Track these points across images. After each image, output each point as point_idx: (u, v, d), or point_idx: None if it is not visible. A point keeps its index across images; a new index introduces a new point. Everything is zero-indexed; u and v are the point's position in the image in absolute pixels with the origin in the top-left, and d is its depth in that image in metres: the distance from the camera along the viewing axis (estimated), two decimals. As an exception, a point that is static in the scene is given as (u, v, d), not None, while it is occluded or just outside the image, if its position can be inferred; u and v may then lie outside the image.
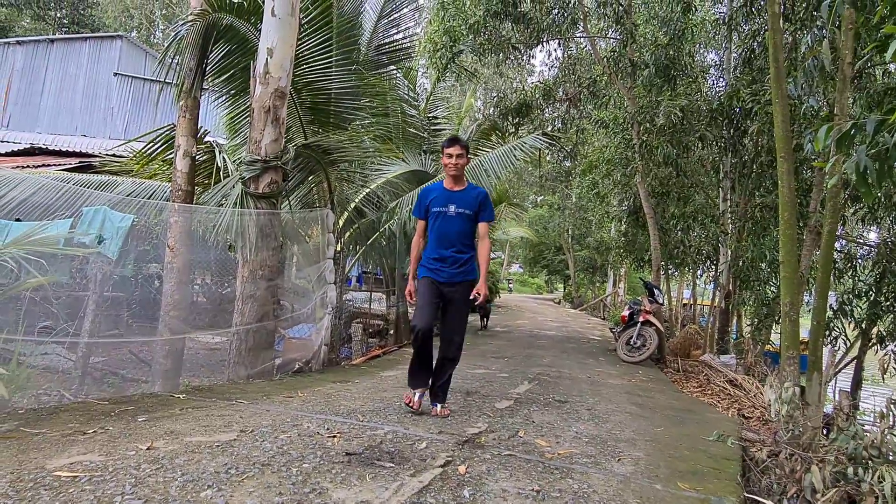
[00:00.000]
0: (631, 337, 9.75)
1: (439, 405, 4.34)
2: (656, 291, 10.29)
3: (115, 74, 16.83)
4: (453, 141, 4.34)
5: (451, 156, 4.28)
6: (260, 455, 2.97)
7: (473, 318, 13.67)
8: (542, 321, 19.05)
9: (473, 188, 4.44)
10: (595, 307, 28.51)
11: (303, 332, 8.20)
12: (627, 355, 9.61)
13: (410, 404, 4.23)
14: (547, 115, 15.57)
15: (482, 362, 8.10)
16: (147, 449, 2.93)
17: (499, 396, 5.46)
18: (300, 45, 6.86)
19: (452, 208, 4.27)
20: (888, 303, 8.79)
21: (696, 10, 11.78)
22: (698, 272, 16.82)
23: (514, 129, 13.98)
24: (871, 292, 8.91)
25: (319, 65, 7.46)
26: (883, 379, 8.20)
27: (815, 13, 7.35)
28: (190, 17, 6.15)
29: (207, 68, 6.69)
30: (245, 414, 3.87)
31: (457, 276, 4.23)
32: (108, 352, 7.54)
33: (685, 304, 19.17)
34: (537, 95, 14.32)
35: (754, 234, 9.74)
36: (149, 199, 7.37)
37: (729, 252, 11.00)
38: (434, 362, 4.38)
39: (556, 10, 11.80)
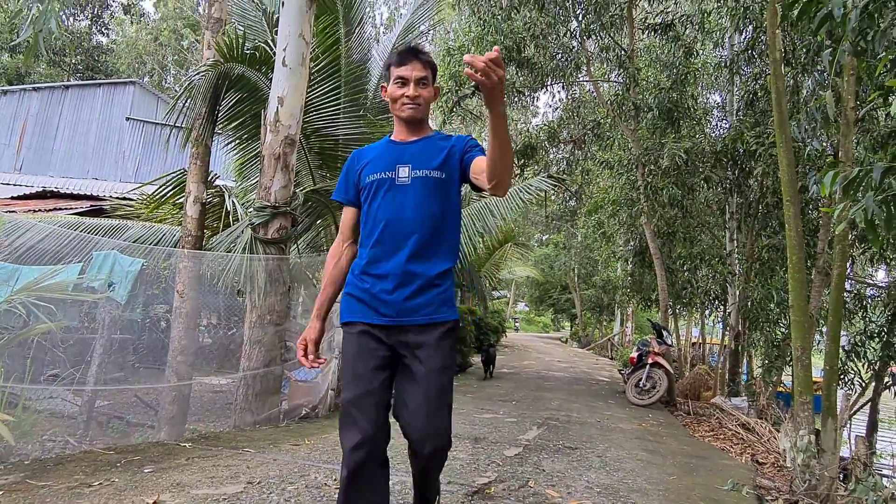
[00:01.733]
0: (640, 379, 9.63)
1: None
2: (664, 332, 10.22)
3: (128, 119, 17.17)
4: (409, 54, 2.24)
5: (403, 81, 2.21)
6: (267, 509, 2.92)
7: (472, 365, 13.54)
8: (549, 361, 18.87)
9: (444, 136, 2.35)
10: (603, 346, 28.27)
11: (309, 375, 8.14)
12: (637, 398, 9.48)
13: None
14: (552, 156, 15.74)
15: (490, 406, 8.00)
16: (153, 503, 2.89)
17: (507, 443, 5.38)
18: (309, 92, 7.00)
19: (405, 171, 2.20)
20: (901, 345, 8.69)
21: (698, 54, 11.99)
22: (706, 311, 16.70)
23: (519, 171, 14.10)
24: (883, 333, 8.81)
25: (328, 112, 7.61)
26: (899, 424, 8.05)
27: (816, 57, 7.47)
28: (202, 68, 6.31)
29: (218, 115, 6.83)
30: (252, 464, 3.83)
31: (419, 311, 2.14)
32: (113, 396, 7.51)
33: (694, 343, 18.99)
34: (542, 137, 14.50)
35: (762, 275, 9.71)
36: (157, 243, 7.44)
37: (737, 292, 10.95)
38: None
39: (560, 55, 12.03)
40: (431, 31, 20.82)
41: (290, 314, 7.81)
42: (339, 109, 7.66)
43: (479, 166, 2.13)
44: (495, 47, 1.72)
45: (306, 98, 6.55)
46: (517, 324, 43.31)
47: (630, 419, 7.95)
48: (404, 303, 2.15)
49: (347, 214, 2.39)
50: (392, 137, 2.35)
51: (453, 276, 2.28)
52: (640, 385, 9.57)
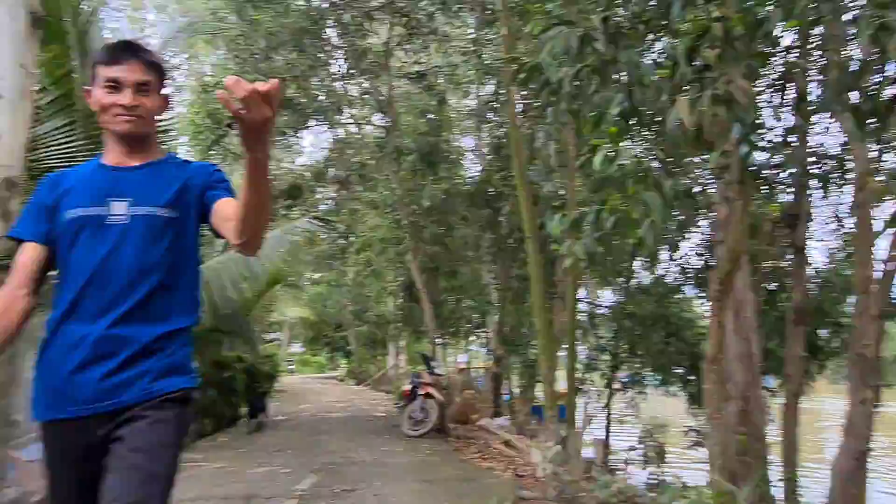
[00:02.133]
0: (414, 411, 9.95)
1: None
2: (433, 363, 10.74)
3: None
4: (124, 51, 1.69)
5: (115, 85, 1.64)
6: None
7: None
8: (326, 402, 18.59)
9: (179, 162, 1.84)
10: (379, 381, 28.65)
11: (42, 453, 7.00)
12: (412, 430, 9.76)
13: None
14: (319, 195, 15.78)
15: (264, 458, 7.61)
16: None
17: (282, 496, 5.18)
18: (37, 128, 6.16)
19: (121, 207, 1.64)
20: (625, 355, 10.24)
21: (450, 102, 13.05)
22: (471, 338, 17.93)
23: (285, 211, 13.89)
24: (610, 346, 10.31)
25: (62, 149, 6.73)
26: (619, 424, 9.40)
27: (544, 112, 8.60)
28: None
29: None
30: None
31: (129, 388, 1.56)
32: None
33: (462, 370, 20.20)
34: (308, 177, 14.49)
35: (514, 303, 10.77)
36: None
37: (495, 319, 11.97)
38: None
39: (323, 97, 12.22)
40: (185, 65, 19.70)
41: (16, 383, 6.66)
42: (74, 146, 6.82)
43: (226, 212, 1.64)
44: (274, 80, 1.25)
45: (33, 134, 5.75)
46: (292, 367, 42.02)
47: (406, 452, 8.16)
48: (106, 380, 1.54)
49: (29, 253, 1.68)
50: (103, 160, 1.74)
51: (188, 337, 1.70)
52: (414, 416, 9.88)
